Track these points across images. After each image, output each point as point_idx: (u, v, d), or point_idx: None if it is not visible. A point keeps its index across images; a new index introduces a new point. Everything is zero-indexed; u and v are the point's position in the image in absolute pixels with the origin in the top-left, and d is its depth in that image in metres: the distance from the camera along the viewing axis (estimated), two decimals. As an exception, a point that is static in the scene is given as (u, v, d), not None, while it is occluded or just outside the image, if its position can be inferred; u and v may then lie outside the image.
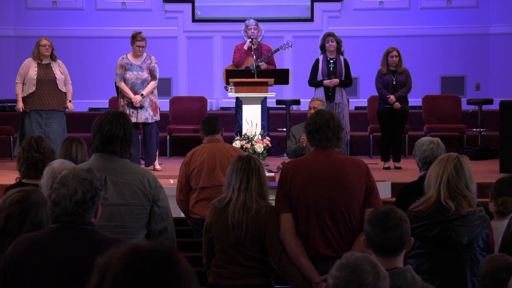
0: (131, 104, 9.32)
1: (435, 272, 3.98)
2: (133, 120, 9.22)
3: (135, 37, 9.39)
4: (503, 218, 4.54)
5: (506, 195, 4.53)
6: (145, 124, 9.45)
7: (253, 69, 9.20)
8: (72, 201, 3.03)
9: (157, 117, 9.55)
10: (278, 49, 10.15)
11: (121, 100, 9.42)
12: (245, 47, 10.22)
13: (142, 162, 9.54)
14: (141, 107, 9.33)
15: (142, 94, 9.33)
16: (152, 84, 9.45)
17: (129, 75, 9.38)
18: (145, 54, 9.49)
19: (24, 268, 3.00)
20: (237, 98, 9.98)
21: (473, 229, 4.02)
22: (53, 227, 3.09)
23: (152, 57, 9.57)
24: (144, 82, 9.40)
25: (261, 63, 9.99)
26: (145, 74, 9.42)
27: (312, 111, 7.73)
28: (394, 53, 9.74)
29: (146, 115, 9.38)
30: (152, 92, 9.46)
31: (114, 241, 3.01)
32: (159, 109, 9.71)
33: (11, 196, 3.38)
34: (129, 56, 9.48)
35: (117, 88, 10.23)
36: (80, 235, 3.04)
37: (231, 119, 10.86)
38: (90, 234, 3.06)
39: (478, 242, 4.06)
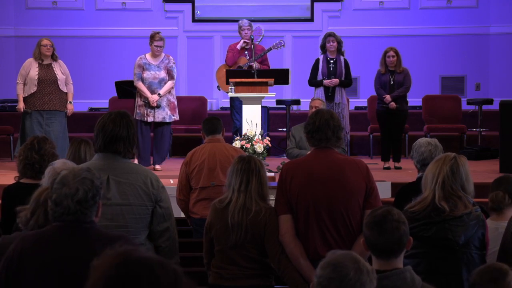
0: (148, 104, 9.36)
1: (432, 272, 3.96)
2: (150, 119, 9.35)
3: (153, 37, 9.47)
4: (498, 215, 4.55)
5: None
6: (160, 124, 9.47)
7: (246, 68, 9.19)
8: (74, 200, 3.03)
9: (176, 117, 9.57)
10: (270, 49, 10.12)
11: (138, 100, 9.45)
12: (238, 46, 10.23)
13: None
14: (158, 106, 9.37)
15: (159, 94, 9.37)
16: (170, 83, 9.50)
17: (146, 74, 9.42)
18: (163, 54, 9.55)
19: (27, 265, 3.00)
20: (231, 98, 9.99)
21: (469, 228, 4.00)
22: (56, 225, 3.09)
23: (170, 57, 9.64)
24: (162, 82, 9.45)
25: (253, 63, 9.97)
26: (162, 74, 9.47)
27: (313, 110, 7.73)
28: (391, 53, 9.70)
29: (163, 115, 9.42)
30: (169, 92, 9.50)
31: (116, 238, 3.04)
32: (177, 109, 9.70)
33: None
34: (147, 56, 9.54)
35: (118, 88, 10.25)
36: (83, 233, 3.05)
37: (231, 119, 10.87)
38: (93, 231, 3.07)
39: (474, 242, 4.04)
